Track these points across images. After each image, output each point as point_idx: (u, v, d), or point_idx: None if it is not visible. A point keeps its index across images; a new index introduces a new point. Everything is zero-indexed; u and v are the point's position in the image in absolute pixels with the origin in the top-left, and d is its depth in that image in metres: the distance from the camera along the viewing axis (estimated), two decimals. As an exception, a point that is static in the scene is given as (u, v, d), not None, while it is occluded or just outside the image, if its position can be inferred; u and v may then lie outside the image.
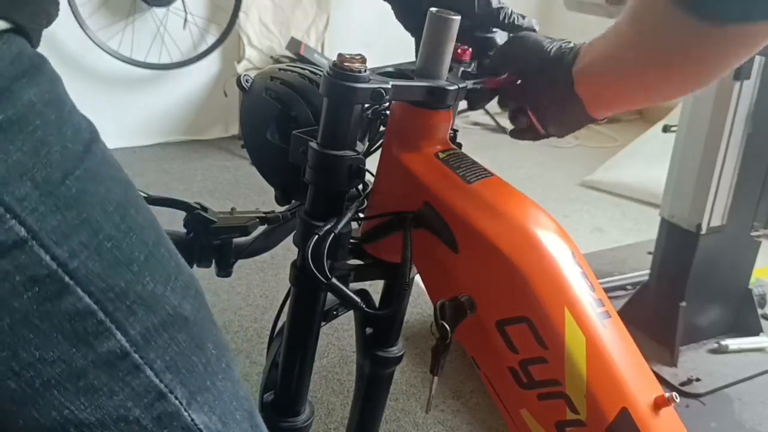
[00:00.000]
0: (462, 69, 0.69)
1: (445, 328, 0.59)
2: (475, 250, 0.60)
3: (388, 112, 0.71)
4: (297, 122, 0.71)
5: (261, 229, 0.83)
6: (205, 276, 0.81)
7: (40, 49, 0.46)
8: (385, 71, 0.66)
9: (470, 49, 0.69)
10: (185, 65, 3.28)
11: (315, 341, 0.72)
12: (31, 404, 0.45)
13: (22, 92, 0.42)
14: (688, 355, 1.75)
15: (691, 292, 1.73)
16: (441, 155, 0.66)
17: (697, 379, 1.66)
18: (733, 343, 1.79)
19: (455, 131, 0.72)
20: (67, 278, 0.44)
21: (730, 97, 1.59)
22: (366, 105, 0.67)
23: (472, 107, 0.72)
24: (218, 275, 0.82)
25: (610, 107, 0.63)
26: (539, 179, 3.36)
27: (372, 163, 0.68)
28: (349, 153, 0.62)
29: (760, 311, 1.85)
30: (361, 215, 0.71)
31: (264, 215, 0.82)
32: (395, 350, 0.84)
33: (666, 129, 1.89)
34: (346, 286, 0.67)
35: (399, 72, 0.66)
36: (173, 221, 0.78)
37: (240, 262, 0.82)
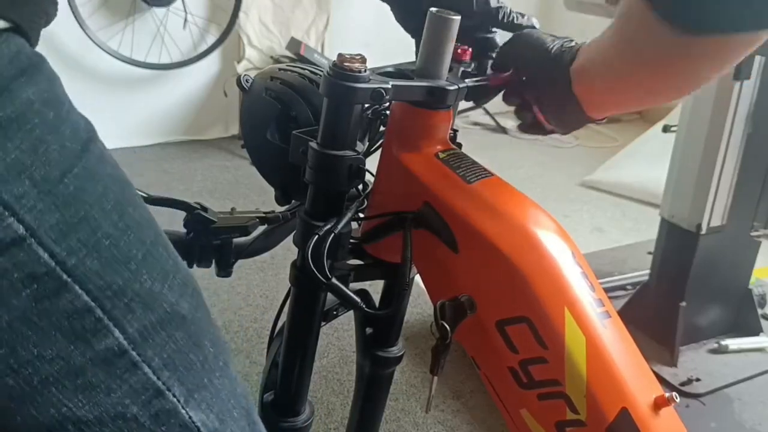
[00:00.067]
0: (462, 69, 0.69)
1: (445, 328, 0.59)
2: (475, 250, 0.60)
3: (388, 112, 0.71)
4: (297, 122, 0.71)
5: (261, 229, 0.83)
6: (205, 276, 0.81)
7: (39, 49, 0.46)
8: (385, 71, 0.66)
9: (470, 49, 0.69)
10: (185, 65, 3.28)
11: (315, 341, 0.72)
12: (29, 401, 0.45)
13: (21, 91, 0.42)
14: (688, 355, 1.75)
15: (691, 292, 1.73)
16: (441, 155, 0.66)
17: (697, 379, 1.66)
18: (733, 343, 1.79)
19: (455, 131, 0.72)
20: (65, 276, 0.44)
21: (730, 97, 1.59)
22: (366, 105, 0.67)
23: (476, 103, 0.72)
24: (218, 275, 0.82)
25: (604, 108, 0.63)
26: (539, 179, 3.36)
27: (372, 163, 0.68)
28: (349, 153, 0.62)
29: (760, 311, 1.86)
30: (361, 215, 0.71)
31: (264, 215, 0.82)
32: (395, 350, 0.84)
33: (666, 129, 1.89)
34: (346, 286, 0.67)
35: (399, 72, 0.66)
36: (173, 221, 0.78)
37: (240, 262, 0.82)
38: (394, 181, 0.69)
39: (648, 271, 1.87)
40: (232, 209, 0.82)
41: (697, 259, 1.71)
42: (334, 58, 0.59)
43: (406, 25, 0.73)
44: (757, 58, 1.58)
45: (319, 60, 3.23)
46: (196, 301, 0.53)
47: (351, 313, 0.79)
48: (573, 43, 0.64)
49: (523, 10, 0.71)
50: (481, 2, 0.68)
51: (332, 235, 0.63)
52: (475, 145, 3.33)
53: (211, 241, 0.79)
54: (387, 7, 0.74)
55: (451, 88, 0.64)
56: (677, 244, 1.75)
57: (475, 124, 4.06)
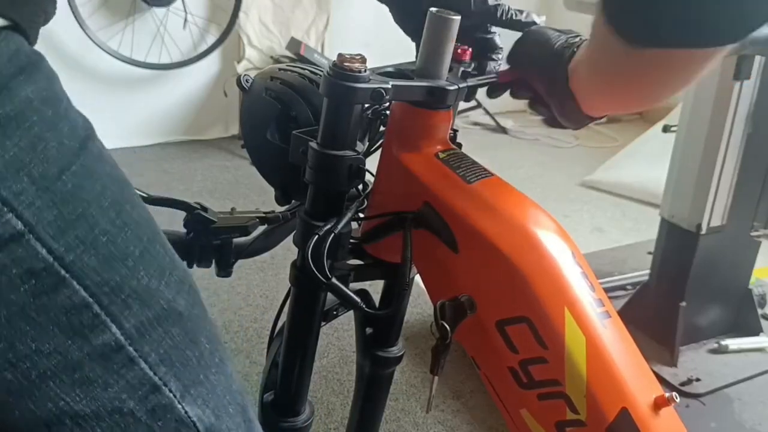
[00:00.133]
0: (462, 69, 0.69)
1: (445, 328, 0.59)
2: (475, 250, 0.60)
3: (388, 112, 0.71)
4: (297, 122, 0.71)
5: (261, 229, 0.83)
6: (205, 276, 0.81)
7: (39, 49, 0.46)
8: (385, 71, 0.66)
9: (470, 49, 0.69)
10: (185, 65, 3.28)
11: (315, 341, 0.72)
12: (27, 396, 0.45)
13: (20, 89, 0.43)
14: (688, 355, 1.75)
15: (691, 292, 1.73)
16: (441, 155, 0.66)
17: (697, 379, 1.66)
18: (733, 343, 1.79)
19: (455, 131, 0.72)
20: (63, 272, 0.44)
21: (730, 97, 1.59)
22: (366, 105, 0.67)
23: (489, 96, 0.73)
24: (218, 275, 0.82)
25: (596, 108, 0.63)
26: (539, 179, 3.37)
27: (372, 163, 0.68)
28: (349, 153, 0.62)
29: (760, 311, 1.86)
30: (361, 215, 0.71)
31: (264, 215, 0.82)
32: (395, 350, 0.84)
33: (666, 129, 1.89)
34: (346, 286, 0.67)
35: (399, 72, 0.66)
36: (173, 221, 0.78)
37: (240, 262, 0.82)
38: (394, 181, 0.69)
39: (648, 271, 1.87)
40: (232, 209, 0.82)
41: (697, 259, 1.71)
42: (334, 58, 0.59)
43: (404, 26, 0.73)
44: (757, 58, 1.58)
45: (319, 60, 3.23)
46: (192, 298, 0.53)
47: (351, 313, 0.79)
48: (577, 39, 0.64)
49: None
50: (479, 1, 0.68)
51: (332, 235, 0.63)
52: (475, 145, 3.34)
53: (211, 241, 0.79)
54: (387, 8, 0.74)
55: (451, 88, 0.64)
56: (677, 244, 1.75)
57: (475, 124, 4.06)
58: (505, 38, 0.72)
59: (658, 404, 0.56)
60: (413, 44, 0.72)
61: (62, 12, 2.76)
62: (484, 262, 0.60)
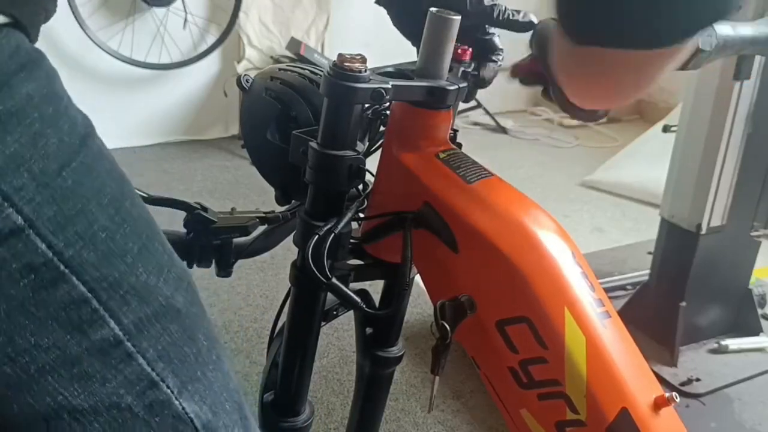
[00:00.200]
0: (462, 69, 0.69)
1: (445, 328, 0.59)
2: (475, 250, 0.60)
3: (388, 112, 0.71)
4: (297, 122, 0.71)
5: (261, 229, 0.83)
6: (205, 276, 0.81)
7: (40, 49, 0.46)
8: (385, 71, 0.66)
9: (470, 49, 0.69)
10: (185, 65, 3.28)
11: (315, 341, 0.72)
12: (26, 390, 0.46)
13: (21, 86, 0.43)
14: (688, 355, 1.75)
15: (691, 292, 1.73)
16: (441, 155, 0.66)
17: (697, 379, 1.66)
18: (733, 343, 1.79)
19: (455, 131, 0.72)
20: (62, 267, 0.45)
21: (730, 97, 1.59)
22: (366, 105, 0.67)
23: (522, 83, 0.73)
24: (218, 275, 0.82)
25: (577, 100, 0.62)
26: (539, 179, 3.37)
27: (372, 163, 0.68)
28: (349, 153, 0.62)
29: (760, 311, 1.86)
30: (361, 215, 0.71)
31: (264, 215, 0.82)
32: (395, 350, 0.84)
33: (666, 129, 1.89)
34: (346, 286, 0.67)
35: (399, 72, 0.66)
36: (173, 221, 0.78)
37: (240, 262, 0.82)
38: (394, 181, 0.69)
39: (648, 271, 1.87)
40: (232, 209, 0.82)
41: (697, 259, 1.71)
42: (334, 58, 0.59)
43: (403, 29, 0.73)
44: (758, 58, 1.58)
45: (319, 60, 3.23)
46: (191, 295, 0.53)
47: (351, 313, 0.79)
48: None
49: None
50: (475, 1, 0.67)
51: (332, 235, 0.63)
52: (475, 145, 3.34)
53: (211, 241, 0.79)
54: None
55: (451, 88, 0.64)
56: (677, 244, 1.75)
57: (475, 124, 4.06)
58: (505, 39, 0.72)
59: (658, 404, 0.56)
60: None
61: (62, 12, 2.76)
62: (484, 262, 0.60)
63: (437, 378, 0.63)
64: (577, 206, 3.08)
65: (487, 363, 0.63)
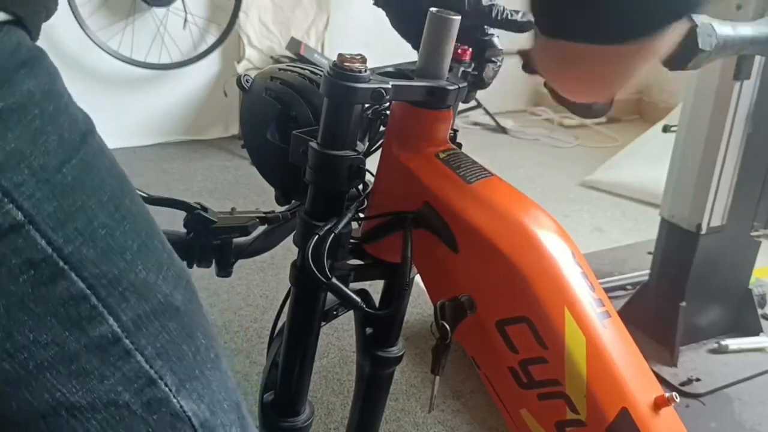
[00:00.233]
0: (462, 69, 0.69)
1: (445, 328, 0.59)
2: (475, 250, 0.60)
3: (388, 112, 0.71)
4: (297, 122, 0.71)
5: (261, 229, 0.83)
6: (205, 276, 0.81)
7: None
8: (385, 71, 0.66)
9: (470, 49, 0.69)
10: (185, 65, 3.28)
11: (315, 341, 0.72)
12: (24, 386, 0.46)
13: (22, 83, 0.43)
14: (688, 355, 1.75)
15: (691, 292, 1.73)
16: (441, 155, 0.66)
17: (697, 379, 1.66)
18: (733, 343, 1.79)
19: (455, 131, 0.72)
20: (61, 263, 0.45)
21: (730, 97, 1.59)
22: (366, 105, 0.67)
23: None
24: (218, 275, 0.82)
25: (564, 94, 0.62)
26: (539, 179, 3.36)
27: (372, 163, 0.68)
28: (349, 153, 0.62)
29: (760, 311, 1.85)
30: (361, 215, 0.71)
31: (264, 215, 0.82)
32: (395, 350, 0.84)
33: (666, 129, 1.89)
34: (346, 286, 0.67)
35: (399, 72, 0.66)
36: (173, 221, 0.78)
37: (240, 262, 0.82)
38: (394, 181, 0.69)
39: (648, 271, 1.87)
40: (232, 209, 0.82)
41: (697, 259, 1.71)
42: (334, 58, 0.59)
43: (401, 30, 0.73)
44: (758, 58, 1.58)
45: (319, 60, 3.23)
46: (189, 294, 0.53)
47: (351, 313, 0.79)
48: None
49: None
50: (473, 1, 0.67)
51: (332, 235, 0.63)
52: (475, 145, 3.34)
53: (211, 241, 0.79)
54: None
55: (451, 88, 0.64)
56: (677, 244, 1.75)
57: (475, 124, 4.06)
58: (504, 39, 0.72)
59: (658, 404, 0.56)
60: (413, 46, 0.72)
61: (62, 12, 2.75)
62: (484, 262, 0.60)
63: (437, 378, 0.63)
64: (577, 206, 3.08)
65: (487, 363, 0.63)
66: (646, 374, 0.58)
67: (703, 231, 1.68)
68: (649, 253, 1.89)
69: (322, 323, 0.73)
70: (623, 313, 1.43)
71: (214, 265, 0.81)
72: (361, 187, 0.70)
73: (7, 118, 0.42)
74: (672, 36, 0.44)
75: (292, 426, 0.74)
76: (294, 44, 3.27)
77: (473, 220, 0.60)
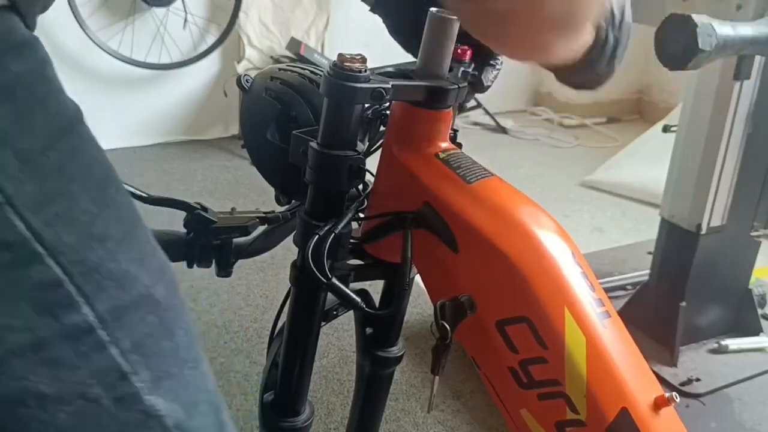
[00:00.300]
0: (462, 69, 0.69)
1: (445, 328, 0.59)
2: (475, 250, 0.60)
3: (388, 112, 0.71)
4: (297, 122, 0.71)
5: (261, 229, 0.83)
6: (205, 276, 0.81)
7: None
8: (386, 71, 0.66)
9: (470, 49, 0.69)
10: (185, 65, 3.28)
11: (315, 341, 0.72)
12: None
13: (12, 64, 0.42)
14: (688, 355, 1.75)
15: (691, 292, 1.73)
16: (441, 155, 0.66)
17: (697, 379, 1.66)
18: (733, 343, 1.79)
19: (455, 131, 0.72)
20: (39, 247, 0.43)
21: (730, 97, 1.59)
22: (366, 105, 0.67)
23: None
24: (218, 275, 0.82)
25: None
26: (539, 179, 3.37)
27: (372, 163, 0.68)
28: (349, 153, 0.62)
29: (760, 311, 1.85)
30: (361, 215, 0.71)
31: (264, 215, 0.82)
32: (395, 350, 0.84)
33: (666, 129, 1.89)
34: (346, 286, 0.67)
35: (399, 72, 0.66)
36: (173, 221, 0.78)
37: (240, 262, 0.82)
38: (394, 181, 0.69)
39: (648, 271, 1.87)
40: (232, 209, 0.82)
41: (697, 259, 1.71)
42: (334, 58, 0.59)
43: (399, 37, 0.72)
44: (758, 58, 1.58)
45: (319, 60, 3.23)
46: (172, 288, 0.51)
47: (351, 313, 0.79)
48: None
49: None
50: None
51: (332, 235, 0.63)
52: (475, 145, 3.34)
53: (211, 241, 0.79)
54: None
55: (452, 88, 0.64)
56: (677, 244, 1.75)
57: (475, 124, 4.06)
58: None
59: (658, 404, 0.56)
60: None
61: (62, 12, 2.76)
62: (484, 262, 0.60)
63: (437, 378, 0.63)
64: (577, 206, 3.08)
65: (487, 363, 0.63)
66: (646, 374, 0.58)
67: (703, 231, 1.69)
68: (649, 253, 1.89)
69: (322, 323, 0.73)
70: (623, 313, 1.43)
71: (214, 265, 0.81)
72: (361, 187, 0.70)
73: None
74: None
75: (292, 426, 0.74)
76: (294, 44, 3.27)
77: (473, 220, 0.60)
